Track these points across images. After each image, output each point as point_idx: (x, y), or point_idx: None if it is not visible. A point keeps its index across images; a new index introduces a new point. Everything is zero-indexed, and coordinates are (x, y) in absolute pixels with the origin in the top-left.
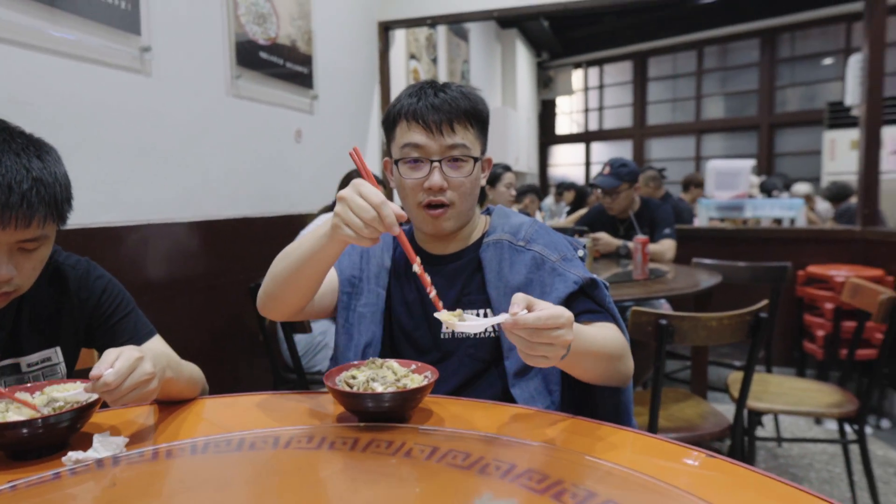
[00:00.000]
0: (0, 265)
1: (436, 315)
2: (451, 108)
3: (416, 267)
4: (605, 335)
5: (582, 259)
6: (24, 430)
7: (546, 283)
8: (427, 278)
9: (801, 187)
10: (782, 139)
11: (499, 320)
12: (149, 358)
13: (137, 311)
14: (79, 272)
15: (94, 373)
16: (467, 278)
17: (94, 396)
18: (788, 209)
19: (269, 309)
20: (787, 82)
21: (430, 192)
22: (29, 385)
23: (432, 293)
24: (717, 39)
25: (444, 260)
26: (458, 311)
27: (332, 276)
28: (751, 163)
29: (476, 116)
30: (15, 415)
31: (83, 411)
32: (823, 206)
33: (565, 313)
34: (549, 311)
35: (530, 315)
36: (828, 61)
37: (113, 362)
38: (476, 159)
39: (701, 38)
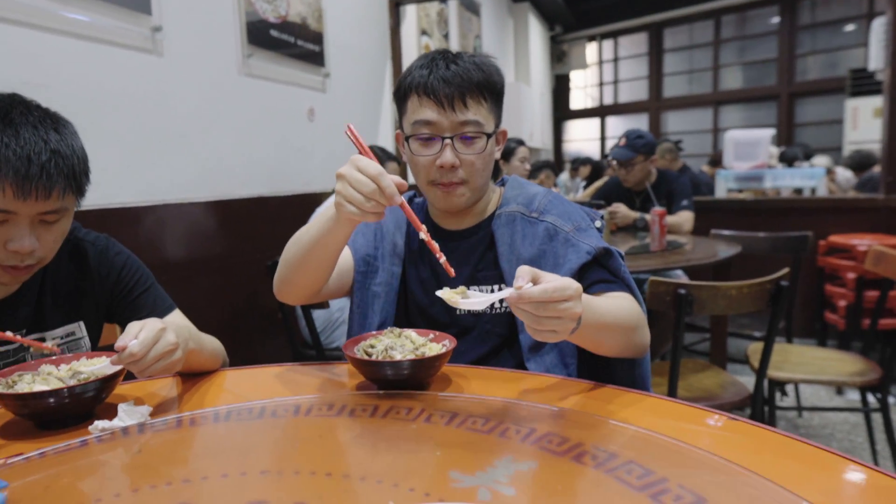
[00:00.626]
0: (23, 237)
1: (437, 293)
2: (462, 81)
3: (423, 234)
4: (619, 306)
5: (599, 230)
6: (51, 400)
7: (559, 254)
8: (435, 245)
9: (820, 160)
10: (802, 109)
11: (503, 295)
12: (172, 329)
13: (157, 285)
14: (98, 248)
15: (118, 344)
16: (481, 254)
17: (119, 368)
18: (809, 179)
19: (284, 294)
20: (808, 50)
21: (442, 170)
22: (54, 357)
23: (442, 258)
24: (735, 7)
25: (459, 235)
26: (462, 288)
27: (346, 256)
28: (770, 132)
29: (490, 88)
30: (41, 385)
31: (108, 381)
32: (844, 176)
33: (573, 285)
34: (556, 283)
35: (536, 288)
36: (850, 27)
37: (137, 333)
38: (489, 135)
39: (718, 7)
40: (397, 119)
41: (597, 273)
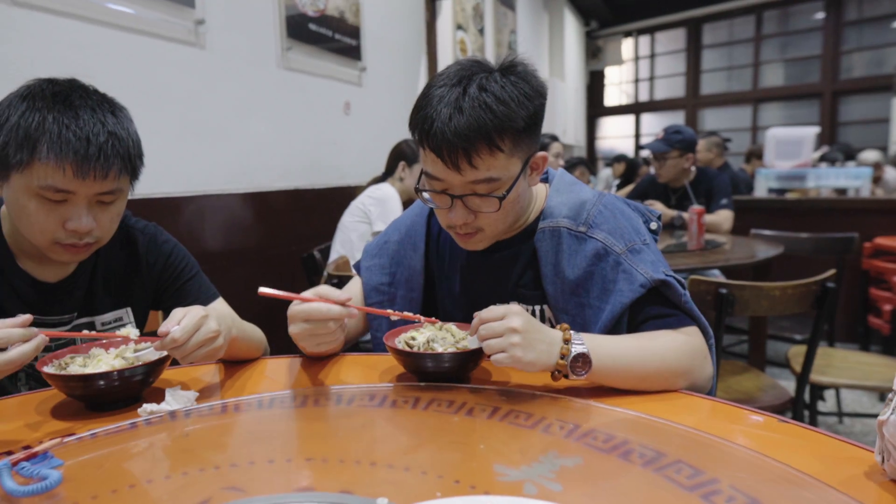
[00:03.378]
0: (81, 216)
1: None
2: (469, 134)
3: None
4: (657, 349)
5: (655, 231)
6: (101, 382)
7: (608, 277)
8: (407, 315)
9: (870, 154)
10: (847, 107)
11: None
12: (214, 317)
13: (202, 274)
14: (147, 236)
15: (162, 329)
16: (522, 269)
17: (164, 353)
18: (855, 179)
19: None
20: (854, 46)
21: (456, 224)
22: (104, 342)
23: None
24: (778, 3)
25: (497, 247)
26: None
27: (355, 292)
28: (814, 130)
29: (508, 130)
30: (93, 369)
31: (156, 366)
32: (893, 174)
33: (509, 307)
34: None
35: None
36: None
37: (180, 320)
38: (504, 196)
39: (760, 2)
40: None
41: (652, 307)
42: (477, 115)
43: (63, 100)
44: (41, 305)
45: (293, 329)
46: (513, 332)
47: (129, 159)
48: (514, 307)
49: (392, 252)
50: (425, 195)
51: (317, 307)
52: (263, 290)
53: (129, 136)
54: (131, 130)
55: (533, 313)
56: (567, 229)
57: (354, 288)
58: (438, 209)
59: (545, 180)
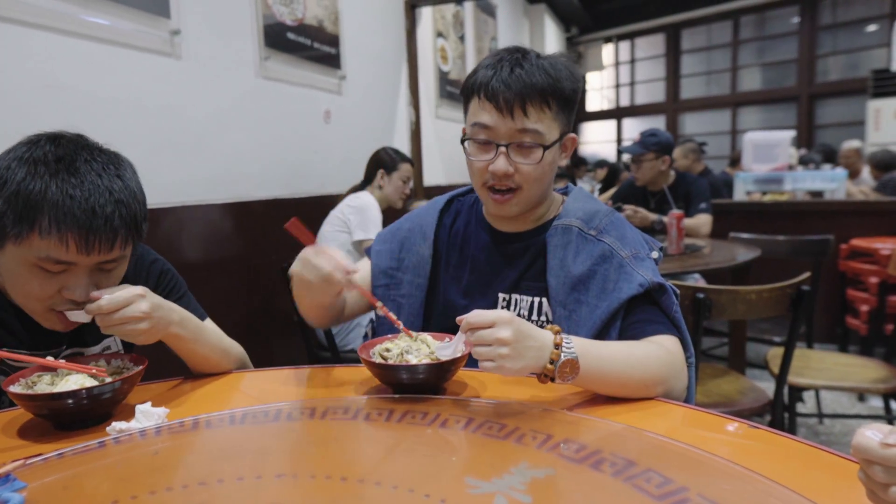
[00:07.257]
0: (80, 286)
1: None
2: (524, 87)
3: (379, 309)
4: (641, 357)
5: (656, 260)
6: (70, 401)
7: (610, 278)
8: (391, 316)
9: (852, 143)
10: (823, 110)
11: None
12: (149, 300)
13: (190, 294)
14: (134, 257)
15: (94, 294)
16: (530, 261)
17: (138, 370)
18: (830, 181)
19: (311, 322)
20: (829, 50)
21: (495, 177)
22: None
23: (391, 316)
24: (755, 8)
25: (511, 238)
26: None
27: (365, 274)
28: (790, 134)
29: (557, 94)
30: (61, 387)
31: (125, 383)
32: (866, 174)
33: (500, 313)
34: (478, 311)
35: (466, 316)
36: (872, 27)
37: (115, 291)
38: (547, 146)
39: (737, 7)
40: (414, 124)
41: (644, 310)
42: (534, 73)
43: (67, 166)
44: (30, 338)
45: (296, 266)
46: (501, 343)
47: (136, 226)
48: (504, 314)
49: (402, 238)
50: (469, 146)
51: (325, 264)
52: (293, 223)
53: (136, 199)
54: (137, 192)
55: (531, 305)
56: (579, 229)
57: (364, 269)
58: (479, 163)
59: (564, 193)
